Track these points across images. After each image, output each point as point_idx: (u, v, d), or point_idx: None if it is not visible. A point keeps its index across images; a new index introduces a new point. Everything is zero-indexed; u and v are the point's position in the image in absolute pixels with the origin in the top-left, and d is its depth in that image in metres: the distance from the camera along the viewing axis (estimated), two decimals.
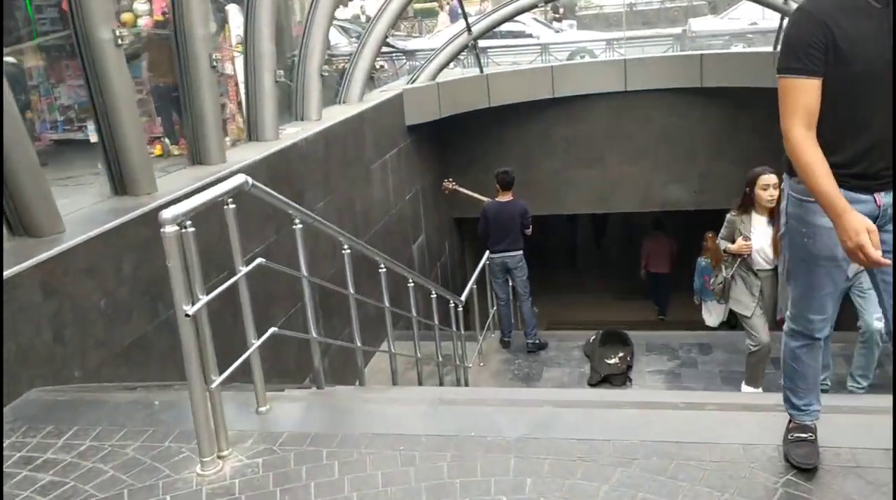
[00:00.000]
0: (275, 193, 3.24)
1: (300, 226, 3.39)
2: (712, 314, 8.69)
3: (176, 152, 6.36)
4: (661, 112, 10.56)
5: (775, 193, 5.07)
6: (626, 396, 3.71)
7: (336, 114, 7.58)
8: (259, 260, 3.03)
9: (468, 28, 9.50)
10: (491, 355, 7.81)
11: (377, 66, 15.09)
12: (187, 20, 5.11)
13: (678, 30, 13.99)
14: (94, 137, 4.80)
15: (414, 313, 5.50)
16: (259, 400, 2.94)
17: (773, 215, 5.19)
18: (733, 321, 8.92)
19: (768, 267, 5.32)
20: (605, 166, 10.92)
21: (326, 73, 7.24)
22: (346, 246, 4.06)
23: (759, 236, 5.27)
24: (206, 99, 5.26)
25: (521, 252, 7.60)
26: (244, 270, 2.85)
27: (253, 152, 5.72)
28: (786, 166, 2.36)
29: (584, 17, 23.47)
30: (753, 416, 2.64)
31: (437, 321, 6.15)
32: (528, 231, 7.62)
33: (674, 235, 12.45)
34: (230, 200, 2.79)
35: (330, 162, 6.86)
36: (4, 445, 2.79)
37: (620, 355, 7.30)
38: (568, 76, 10.43)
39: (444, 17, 18.47)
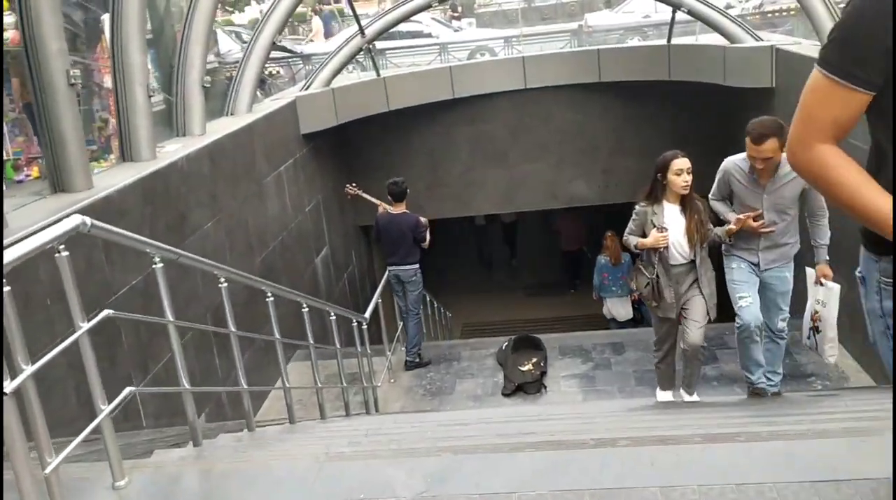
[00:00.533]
0: (124, 232, 2.84)
1: (160, 265, 2.98)
2: (620, 310, 8.72)
3: None
4: (562, 108, 10.50)
5: (689, 178, 4.70)
6: (532, 427, 3.45)
7: (223, 127, 7.12)
8: (106, 312, 2.63)
9: (361, 30, 9.16)
10: (402, 369, 7.51)
11: (272, 73, 14.64)
12: (38, 33, 4.59)
13: (575, 25, 14.04)
14: None
15: (311, 339, 5.12)
16: (115, 474, 2.55)
17: (684, 204, 4.82)
18: (638, 316, 9.14)
19: (683, 261, 4.87)
20: (510, 165, 10.79)
21: (209, 85, 6.77)
22: (222, 279, 3.65)
23: (673, 228, 4.79)
24: (66, 119, 4.75)
25: (414, 266, 7.22)
26: (85, 326, 2.44)
27: (126, 174, 5.23)
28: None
29: (484, 15, 23.46)
30: (670, 452, 2.42)
31: (339, 343, 5.80)
32: (425, 244, 7.21)
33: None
34: (62, 246, 2.38)
35: (217, 179, 6.40)
36: None
37: (534, 360, 7.13)
38: (467, 76, 10.24)
39: (317, 21, 18.10)
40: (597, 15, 16.46)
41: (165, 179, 5.54)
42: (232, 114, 7.77)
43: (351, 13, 9.69)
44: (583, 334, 8.02)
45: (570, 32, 13.38)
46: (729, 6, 11.16)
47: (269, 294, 4.32)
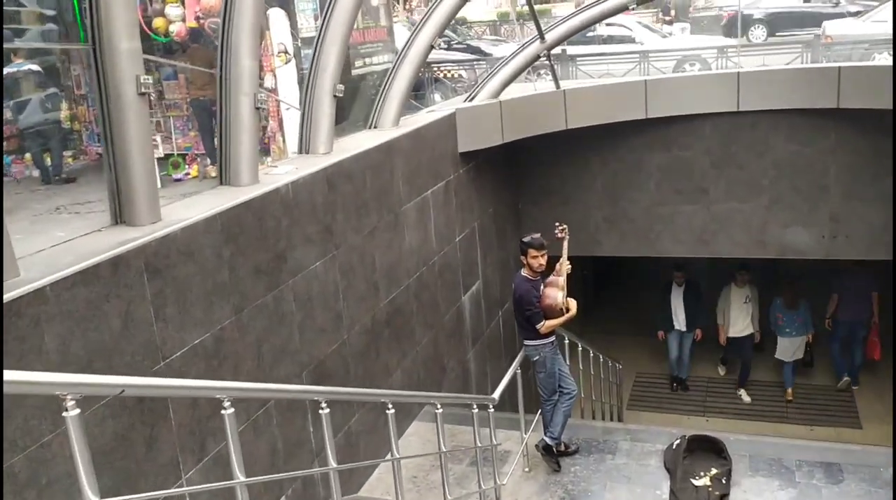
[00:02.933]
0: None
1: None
2: (789, 349, 9.90)
3: (213, 174, 5.31)
4: (782, 138, 8.51)
5: None
6: None
7: (358, 143, 6.10)
8: None
9: (540, 35, 7.81)
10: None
11: (454, 76, 13.66)
12: (106, 28, 3.72)
13: (809, 34, 11.69)
14: None
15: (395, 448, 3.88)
16: None
17: None
18: (808, 357, 10.15)
19: None
20: (710, 201, 8.95)
21: (341, 94, 5.75)
22: (226, 403, 2.48)
23: None
24: (133, 137, 3.86)
25: (534, 342, 5.74)
26: None
27: (208, 204, 4.29)
28: None
29: (700, 20, 21.12)
30: None
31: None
32: (539, 327, 5.65)
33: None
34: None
35: (335, 209, 5.36)
36: None
37: (713, 473, 5.46)
38: (665, 92, 8.53)
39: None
40: (839, 23, 13.82)
41: (260, 210, 4.55)
42: (375, 127, 6.74)
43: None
44: (786, 442, 6.14)
45: (803, 44, 11.11)
46: None
47: (324, 404, 3.10)
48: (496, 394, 5.28)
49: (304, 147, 5.68)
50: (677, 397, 10.96)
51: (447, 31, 17.43)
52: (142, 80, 3.82)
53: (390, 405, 3.62)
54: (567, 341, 7.02)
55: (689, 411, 10.56)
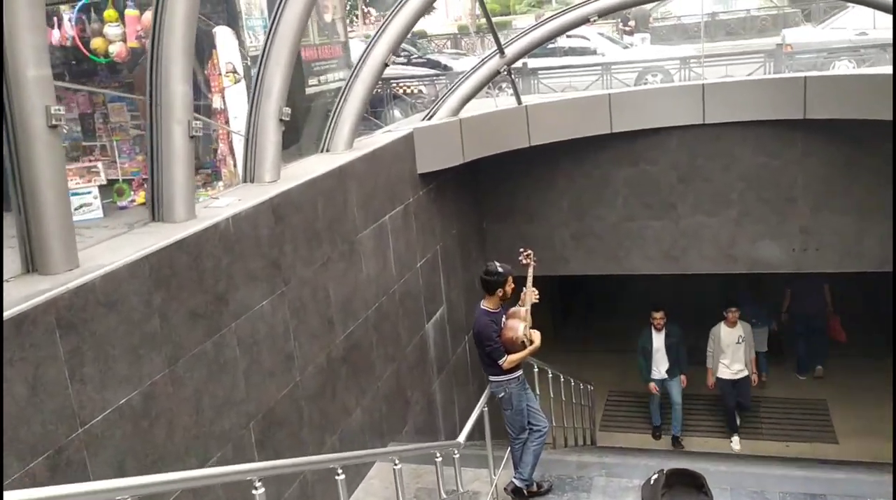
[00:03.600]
0: None
1: None
2: None
3: None
4: (750, 150, 8.32)
5: None
6: None
7: (308, 169, 5.71)
8: None
9: (500, 49, 7.51)
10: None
11: (413, 91, 13.33)
12: (11, 54, 3.30)
13: (770, 43, 11.57)
14: None
15: None
16: None
17: None
18: None
19: None
20: (678, 217, 8.72)
21: (287, 117, 5.36)
22: None
23: None
24: (43, 174, 3.43)
25: (500, 378, 5.34)
26: None
27: (136, 246, 3.87)
28: None
29: (660, 30, 21.12)
30: None
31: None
32: (501, 362, 5.25)
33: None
34: None
35: (282, 242, 4.97)
36: None
37: None
38: (630, 106, 8.29)
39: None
40: (797, 31, 13.78)
41: (196, 248, 4.14)
42: (327, 150, 6.37)
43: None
44: (767, 472, 5.86)
45: (765, 53, 10.98)
46: None
47: (258, 483, 2.69)
48: (462, 437, 4.91)
49: (249, 176, 5.28)
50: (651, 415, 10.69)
51: (406, 46, 17.17)
52: (52, 112, 3.40)
53: (340, 471, 3.22)
54: (536, 370, 6.69)
55: (662, 430, 10.29)
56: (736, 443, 9.57)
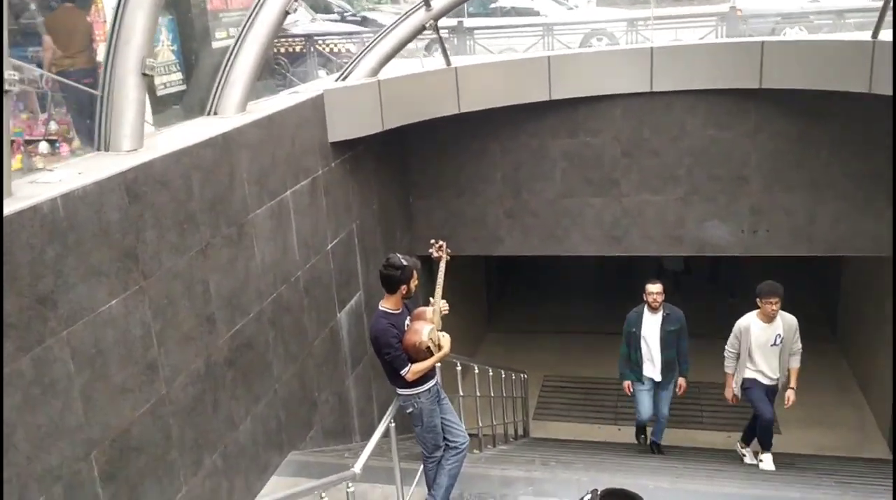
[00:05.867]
0: None
1: None
2: None
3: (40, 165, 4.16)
4: (700, 122, 7.62)
5: None
6: None
7: (187, 135, 4.74)
8: None
9: (426, 2, 6.58)
10: None
11: (340, 51, 12.25)
12: None
13: (724, 7, 10.89)
14: None
15: None
16: None
17: None
18: None
19: None
20: (621, 194, 8.00)
21: (151, 72, 4.37)
22: None
23: None
24: None
25: (406, 392, 4.55)
26: None
27: None
28: None
29: None
30: None
31: None
32: (404, 372, 4.42)
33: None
34: None
35: (143, 226, 4.03)
36: None
37: None
38: (571, 70, 7.50)
39: None
40: None
41: (7, 238, 3.19)
42: (215, 114, 5.38)
43: None
44: (713, 491, 5.21)
45: (718, 17, 10.28)
46: None
47: None
48: (358, 466, 4.08)
49: (104, 143, 4.29)
50: (588, 403, 10.12)
51: (340, 1, 15.98)
52: None
53: None
54: (459, 368, 5.92)
55: (599, 419, 9.73)
56: (769, 462, 6.72)
